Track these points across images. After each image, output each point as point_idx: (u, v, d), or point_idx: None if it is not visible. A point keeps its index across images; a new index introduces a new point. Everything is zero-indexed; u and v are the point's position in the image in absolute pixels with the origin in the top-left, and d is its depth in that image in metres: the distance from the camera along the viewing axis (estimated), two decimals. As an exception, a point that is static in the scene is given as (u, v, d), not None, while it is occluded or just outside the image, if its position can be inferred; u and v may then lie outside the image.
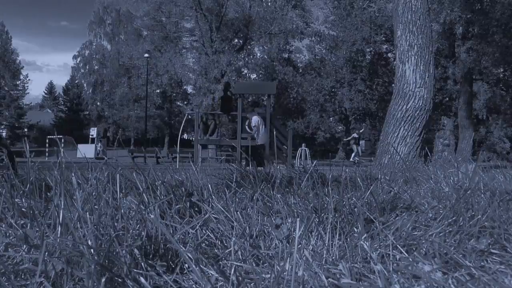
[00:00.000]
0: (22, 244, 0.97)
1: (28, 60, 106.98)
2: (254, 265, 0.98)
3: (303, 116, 33.13)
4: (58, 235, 0.98)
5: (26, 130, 44.32)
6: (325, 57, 32.05)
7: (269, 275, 0.85)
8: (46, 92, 56.90)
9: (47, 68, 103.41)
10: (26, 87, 45.82)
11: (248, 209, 1.42)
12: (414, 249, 1.06)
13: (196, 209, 1.43)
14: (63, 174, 1.47)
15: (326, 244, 1.06)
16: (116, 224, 1.04)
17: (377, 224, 1.15)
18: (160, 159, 19.32)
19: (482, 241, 1.09)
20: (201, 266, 0.87)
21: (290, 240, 1.13)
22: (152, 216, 1.11)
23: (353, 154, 17.97)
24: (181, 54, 31.10)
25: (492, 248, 1.07)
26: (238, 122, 11.40)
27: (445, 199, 1.61)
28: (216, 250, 1.10)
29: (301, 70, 33.78)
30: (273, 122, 11.30)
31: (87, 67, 45.53)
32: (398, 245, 1.04)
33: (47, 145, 27.45)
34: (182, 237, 1.15)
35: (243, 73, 32.46)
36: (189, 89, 36.77)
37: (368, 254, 0.97)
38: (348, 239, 1.11)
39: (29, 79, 47.39)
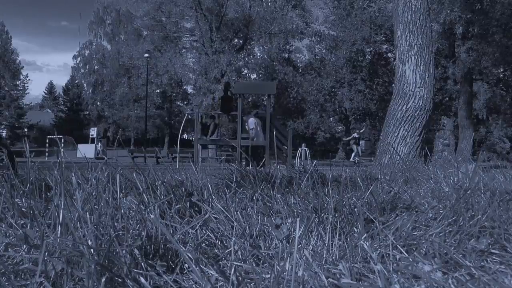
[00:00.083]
0: (22, 244, 0.97)
1: (28, 60, 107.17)
2: (254, 265, 0.98)
3: (303, 116, 33.13)
4: (58, 235, 0.98)
5: (26, 130, 44.32)
6: (325, 57, 32.03)
7: (269, 275, 0.85)
8: (46, 92, 56.94)
9: (47, 68, 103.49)
10: (26, 87, 45.89)
11: (248, 209, 1.42)
12: (414, 249, 1.06)
13: (196, 209, 1.43)
14: (63, 174, 1.47)
15: (326, 244, 1.06)
16: (116, 224, 1.04)
17: (377, 224, 1.15)
18: (160, 159, 19.33)
19: (482, 241, 1.09)
20: (201, 266, 0.87)
21: (290, 240, 1.13)
22: (152, 216, 1.11)
23: (353, 154, 17.97)
24: (181, 54, 31.11)
25: (492, 248, 1.07)
26: (238, 122, 11.40)
27: (445, 199, 1.61)
28: (216, 250, 1.10)
29: (301, 70, 33.76)
30: (273, 122, 11.31)
31: (87, 67, 45.51)
32: (398, 245, 1.04)
33: (47, 145, 27.45)
34: (182, 237, 1.15)
35: (243, 73, 32.47)
36: (189, 89, 36.83)
37: (368, 254, 0.97)
38: (348, 239, 1.11)
39: (29, 79, 47.48)
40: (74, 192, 1.25)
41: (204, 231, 1.22)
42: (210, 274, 0.88)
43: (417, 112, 6.44)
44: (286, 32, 30.73)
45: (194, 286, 0.88)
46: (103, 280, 0.80)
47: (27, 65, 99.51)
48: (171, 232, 1.15)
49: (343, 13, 28.46)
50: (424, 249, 1.04)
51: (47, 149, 26.57)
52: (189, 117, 14.02)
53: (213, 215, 1.30)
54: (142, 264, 0.91)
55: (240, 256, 1.04)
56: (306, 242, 1.12)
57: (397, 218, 1.29)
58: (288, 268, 0.84)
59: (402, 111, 6.50)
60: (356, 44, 27.48)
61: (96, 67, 44.80)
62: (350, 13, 27.66)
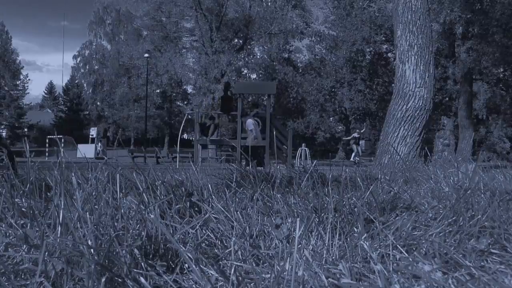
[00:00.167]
0: (22, 244, 0.97)
1: (28, 60, 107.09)
2: (254, 265, 0.98)
3: (303, 116, 33.14)
4: (58, 235, 0.98)
5: (26, 130, 44.29)
6: (325, 57, 32.02)
7: (269, 275, 0.85)
8: (46, 92, 56.88)
9: (47, 68, 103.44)
10: (26, 87, 45.87)
11: (248, 209, 1.42)
12: (414, 249, 1.06)
13: (196, 209, 1.43)
14: (63, 174, 1.47)
15: (326, 244, 1.06)
16: (116, 224, 1.04)
17: (377, 224, 1.15)
18: (160, 159, 19.32)
19: (482, 241, 1.09)
20: (201, 266, 0.87)
21: (290, 240, 1.13)
22: (152, 216, 1.11)
23: (353, 154, 17.97)
24: (181, 54, 31.10)
25: (492, 248, 1.07)
26: (238, 122, 11.40)
27: (445, 199, 1.61)
28: (216, 250, 1.10)
29: (301, 70, 33.77)
30: (273, 122, 11.31)
31: (87, 67, 45.52)
32: (398, 245, 1.04)
33: (47, 145, 27.43)
34: (182, 237, 1.15)
35: (243, 73, 32.47)
36: (189, 89, 36.83)
37: (368, 254, 0.97)
38: (348, 239, 1.11)
39: (29, 79, 47.44)
40: (74, 192, 1.25)
41: (204, 231, 1.22)
42: (210, 274, 0.88)
43: (417, 112, 6.45)
44: (286, 32, 30.73)
45: (194, 286, 0.88)
46: (103, 280, 0.80)
47: (27, 65, 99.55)
48: (171, 232, 1.15)
49: (343, 13, 28.45)
50: (424, 249, 1.04)
51: (47, 149, 26.56)
52: (189, 117, 14.02)
53: (213, 215, 1.30)
54: (142, 264, 0.91)
55: (240, 256, 1.04)
56: (306, 242, 1.12)
57: (397, 218, 1.29)
58: (288, 268, 0.84)
59: (402, 111, 6.50)
60: (356, 44, 27.47)
61: (96, 67, 44.82)
62: (350, 13, 27.64)
